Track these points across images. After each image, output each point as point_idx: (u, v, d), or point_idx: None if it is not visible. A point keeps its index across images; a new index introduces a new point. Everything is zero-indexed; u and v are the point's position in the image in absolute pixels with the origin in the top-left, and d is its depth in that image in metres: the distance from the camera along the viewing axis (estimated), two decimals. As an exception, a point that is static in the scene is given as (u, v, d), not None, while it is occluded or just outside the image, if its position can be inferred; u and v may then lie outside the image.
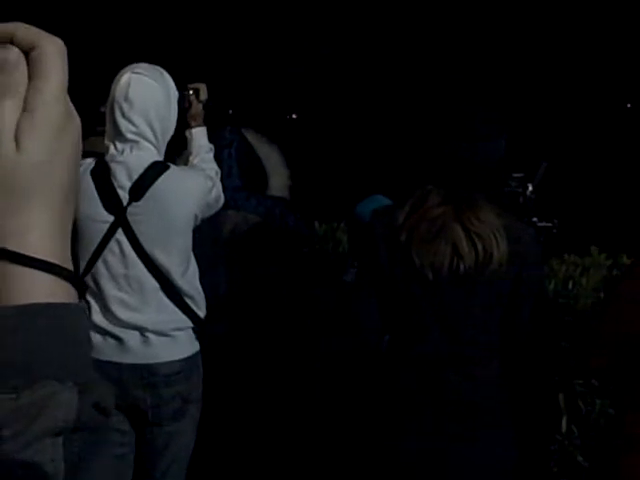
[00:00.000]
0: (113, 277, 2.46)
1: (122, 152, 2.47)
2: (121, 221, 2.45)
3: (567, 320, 3.21)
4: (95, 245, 2.44)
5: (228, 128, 3.09)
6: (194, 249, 2.56)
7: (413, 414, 2.13)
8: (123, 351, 2.46)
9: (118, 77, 2.51)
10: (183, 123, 2.73)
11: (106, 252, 2.45)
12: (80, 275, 2.43)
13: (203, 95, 2.81)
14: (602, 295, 3.28)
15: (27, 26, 0.61)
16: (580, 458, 3.03)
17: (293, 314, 3.07)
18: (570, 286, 3.36)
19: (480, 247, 2.04)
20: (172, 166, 2.53)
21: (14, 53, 0.59)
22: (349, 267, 2.96)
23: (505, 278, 2.08)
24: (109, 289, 2.45)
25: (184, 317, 2.52)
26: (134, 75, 2.49)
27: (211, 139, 2.82)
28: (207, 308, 2.58)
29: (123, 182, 2.45)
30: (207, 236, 2.77)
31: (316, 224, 4.33)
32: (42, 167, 0.59)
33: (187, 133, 2.78)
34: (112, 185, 2.45)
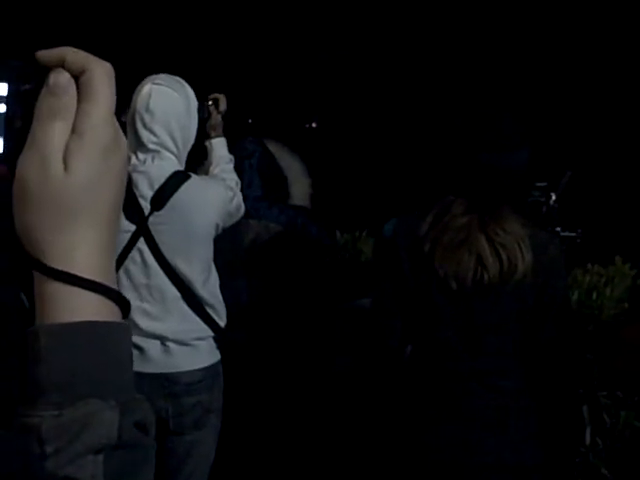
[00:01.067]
0: (135, 287, 2.47)
1: (144, 162, 2.49)
2: (143, 231, 2.46)
3: (591, 331, 3.18)
4: (117, 255, 2.45)
5: (249, 139, 3.10)
6: (215, 258, 2.56)
7: (437, 423, 2.11)
8: (144, 361, 2.46)
9: (139, 88, 2.53)
10: (203, 133, 2.75)
11: (128, 262, 2.46)
12: None
13: (222, 106, 2.82)
14: (626, 305, 3.25)
15: (76, 50, 0.63)
16: (605, 470, 3.00)
17: (314, 323, 3.07)
18: (594, 296, 3.33)
19: (505, 257, 2.03)
20: (193, 175, 2.54)
21: (64, 77, 0.61)
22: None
23: (529, 289, 2.06)
24: (130, 299, 2.44)
25: (205, 326, 2.52)
26: (155, 86, 2.51)
27: (232, 149, 2.83)
28: (227, 317, 2.58)
29: (145, 192, 2.47)
30: (228, 245, 2.78)
31: (337, 233, 4.32)
32: (89, 188, 0.61)
33: (207, 144, 2.80)
34: (134, 195, 2.46)
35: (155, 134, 2.48)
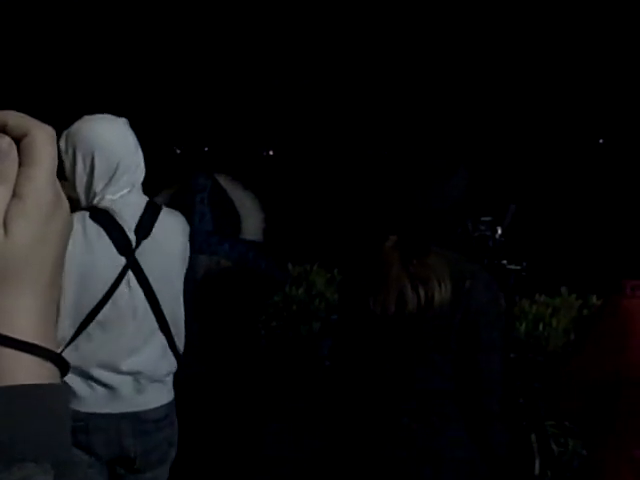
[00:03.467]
0: (122, 322, 2.41)
1: (120, 196, 2.44)
2: (131, 263, 2.43)
3: (538, 360, 3.24)
4: (103, 291, 2.39)
5: (200, 174, 3.11)
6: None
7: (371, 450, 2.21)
8: (114, 400, 2.41)
9: (83, 127, 2.46)
10: None
11: (116, 296, 2.40)
12: (83, 321, 2.38)
13: None
14: (572, 336, 3.32)
15: (18, 114, 0.63)
16: (553, 500, 3.04)
17: (264, 357, 3.08)
18: (541, 327, 3.40)
19: (422, 293, 2.15)
20: (162, 206, 2.55)
21: (5, 142, 0.61)
22: None
23: (449, 323, 2.17)
24: (117, 336, 2.41)
25: (174, 360, 2.50)
26: (103, 124, 2.47)
27: (184, 184, 2.83)
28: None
29: (130, 223, 2.43)
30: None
31: (289, 265, 4.33)
32: (30, 252, 0.61)
33: None
34: (121, 227, 2.42)
35: (128, 169, 2.43)
